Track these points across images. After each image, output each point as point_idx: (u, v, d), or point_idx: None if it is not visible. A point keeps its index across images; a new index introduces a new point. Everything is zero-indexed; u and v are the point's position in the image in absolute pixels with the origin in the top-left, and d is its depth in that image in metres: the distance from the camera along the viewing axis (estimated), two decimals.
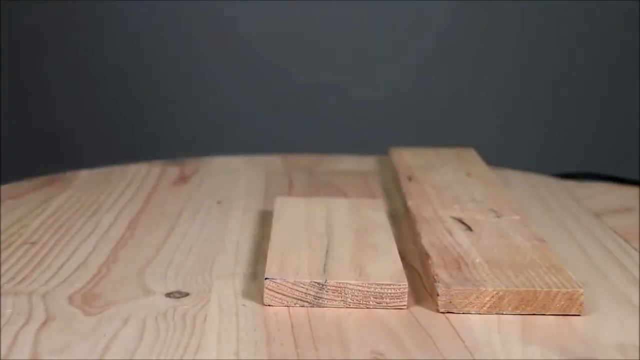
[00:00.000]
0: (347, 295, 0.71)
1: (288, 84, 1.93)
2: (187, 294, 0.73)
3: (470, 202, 0.93)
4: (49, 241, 0.85)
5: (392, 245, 0.80)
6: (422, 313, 0.71)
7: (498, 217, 0.88)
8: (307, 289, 0.71)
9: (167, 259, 0.81)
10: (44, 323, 0.67)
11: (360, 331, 0.67)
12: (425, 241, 0.81)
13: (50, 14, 1.83)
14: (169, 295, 0.73)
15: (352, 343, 0.65)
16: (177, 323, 0.68)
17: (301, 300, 0.71)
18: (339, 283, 0.71)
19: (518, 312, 0.71)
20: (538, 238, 0.82)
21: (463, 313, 0.70)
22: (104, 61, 2.06)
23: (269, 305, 0.71)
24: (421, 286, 0.76)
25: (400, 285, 0.71)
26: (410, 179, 1.02)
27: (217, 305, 0.71)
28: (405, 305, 0.71)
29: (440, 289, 0.71)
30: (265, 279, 0.72)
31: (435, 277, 0.73)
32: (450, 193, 0.96)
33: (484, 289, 0.71)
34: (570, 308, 0.70)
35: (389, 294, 0.71)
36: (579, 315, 0.70)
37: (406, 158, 1.11)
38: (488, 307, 0.70)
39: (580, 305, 0.70)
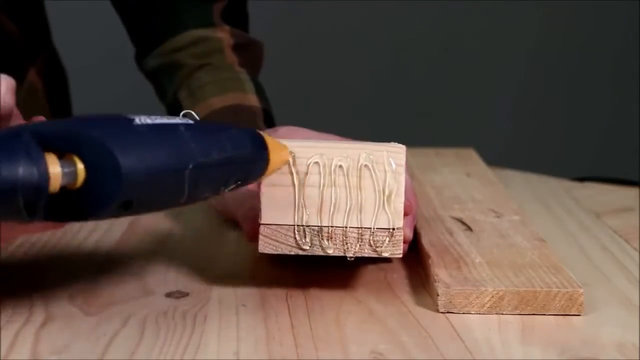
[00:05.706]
0: (342, 242, 0.71)
1: (287, 84, 1.93)
2: (187, 294, 0.73)
3: (470, 202, 0.93)
4: (49, 241, 0.85)
5: (398, 193, 0.72)
6: (422, 313, 0.71)
7: (498, 217, 0.88)
8: (302, 236, 0.71)
9: (167, 258, 0.81)
10: (44, 323, 0.67)
11: (360, 331, 0.67)
12: (425, 241, 0.81)
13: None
14: (169, 295, 0.73)
15: (352, 343, 0.65)
16: (177, 323, 0.68)
17: (296, 247, 0.71)
18: (335, 228, 0.71)
19: (518, 312, 0.70)
20: (538, 238, 0.82)
21: (463, 313, 0.70)
22: (104, 59, 2.06)
23: (263, 253, 0.70)
24: (421, 286, 0.76)
25: (396, 231, 0.71)
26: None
27: (217, 305, 0.71)
28: (401, 253, 0.71)
29: (440, 289, 0.71)
30: (260, 224, 0.71)
31: (435, 277, 0.73)
32: (450, 193, 0.96)
33: (484, 289, 0.71)
34: (570, 308, 0.70)
35: (385, 241, 0.71)
36: (579, 315, 0.70)
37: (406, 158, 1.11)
38: (488, 307, 0.70)
39: (580, 305, 0.70)
